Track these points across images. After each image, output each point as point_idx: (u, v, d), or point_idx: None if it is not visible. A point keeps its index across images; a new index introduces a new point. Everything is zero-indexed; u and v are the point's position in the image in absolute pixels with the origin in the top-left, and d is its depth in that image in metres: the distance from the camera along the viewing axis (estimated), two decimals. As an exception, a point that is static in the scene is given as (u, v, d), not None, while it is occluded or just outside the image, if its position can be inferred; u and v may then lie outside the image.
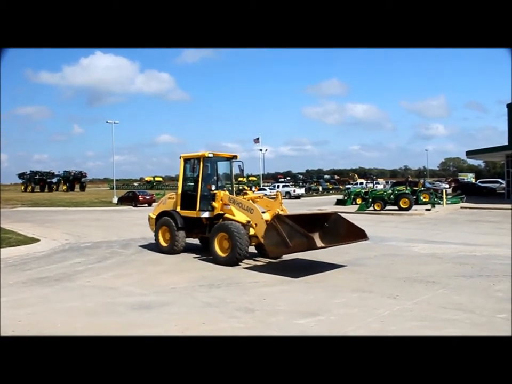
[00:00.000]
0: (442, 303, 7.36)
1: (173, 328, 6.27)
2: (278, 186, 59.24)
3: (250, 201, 11.79)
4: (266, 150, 74.85)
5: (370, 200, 28.36)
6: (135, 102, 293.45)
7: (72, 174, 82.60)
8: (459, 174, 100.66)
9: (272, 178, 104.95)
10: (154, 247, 13.99)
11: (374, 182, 53.56)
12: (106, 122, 48.04)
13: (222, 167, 13.80)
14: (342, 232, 10.87)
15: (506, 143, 41.13)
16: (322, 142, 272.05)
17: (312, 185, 69.23)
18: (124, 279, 9.69)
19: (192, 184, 13.08)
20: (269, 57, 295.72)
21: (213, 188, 12.34)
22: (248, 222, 11.16)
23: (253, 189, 40.24)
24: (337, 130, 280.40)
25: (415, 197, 28.72)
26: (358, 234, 10.74)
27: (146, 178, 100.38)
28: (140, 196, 40.44)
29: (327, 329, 6.14)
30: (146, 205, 39.64)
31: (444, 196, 31.07)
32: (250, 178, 78.01)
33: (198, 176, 12.61)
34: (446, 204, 30.29)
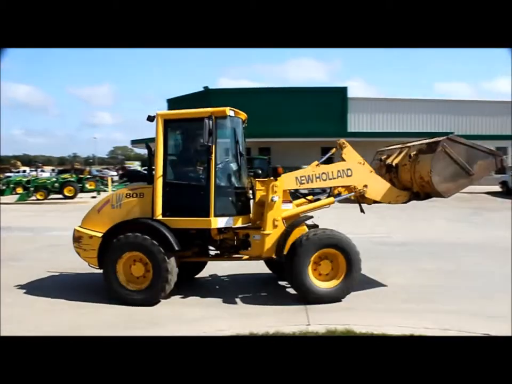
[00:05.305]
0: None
1: None
2: None
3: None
4: None
5: (32, 189, 26.95)
6: None
7: None
8: (126, 162, 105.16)
9: None
10: None
11: (39, 169, 50.86)
12: None
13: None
14: None
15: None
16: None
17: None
18: None
19: (195, 168, 7.18)
20: None
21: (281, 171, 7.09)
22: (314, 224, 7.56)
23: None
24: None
25: (80, 185, 29.06)
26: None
27: None
28: None
29: None
30: None
31: (109, 183, 32.06)
32: None
33: (210, 152, 6.67)
34: (112, 190, 31.37)
